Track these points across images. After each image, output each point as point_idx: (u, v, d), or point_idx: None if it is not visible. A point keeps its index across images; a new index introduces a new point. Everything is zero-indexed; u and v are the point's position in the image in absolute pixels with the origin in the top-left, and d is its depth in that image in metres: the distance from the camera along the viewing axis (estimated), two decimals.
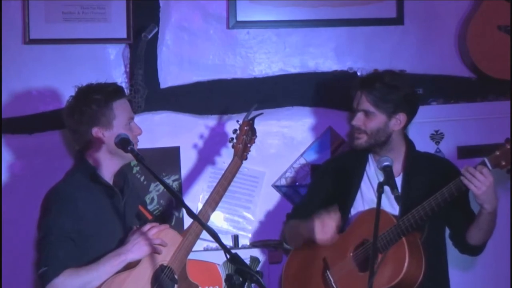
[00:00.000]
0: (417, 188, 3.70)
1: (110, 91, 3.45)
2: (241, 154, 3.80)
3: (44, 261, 3.23)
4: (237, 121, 3.89)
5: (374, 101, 3.71)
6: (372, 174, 3.80)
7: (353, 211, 3.80)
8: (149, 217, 3.56)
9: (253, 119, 3.90)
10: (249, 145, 3.86)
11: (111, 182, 3.48)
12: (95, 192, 3.41)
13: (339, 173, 3.91)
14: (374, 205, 3.48)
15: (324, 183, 3.96)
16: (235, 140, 3.84)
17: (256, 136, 3.92)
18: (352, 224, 3.75)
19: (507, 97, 4.42)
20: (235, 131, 3.86)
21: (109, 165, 3.46)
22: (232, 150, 3.83)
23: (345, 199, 3.83)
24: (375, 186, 3.57)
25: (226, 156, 4.22)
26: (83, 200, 3.35)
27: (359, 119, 3.75)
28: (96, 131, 3.41)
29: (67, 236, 3.27)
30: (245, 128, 3.84)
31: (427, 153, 3.95)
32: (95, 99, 3.40)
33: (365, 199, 3.79)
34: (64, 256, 3.23)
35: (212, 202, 3.64)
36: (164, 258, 3.43)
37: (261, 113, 4.00)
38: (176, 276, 3.45)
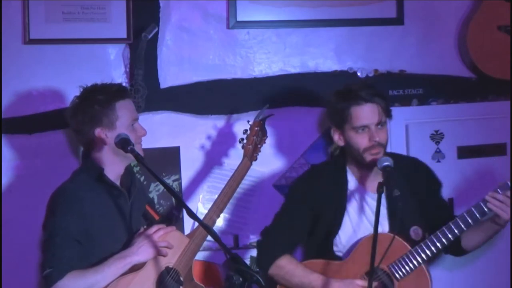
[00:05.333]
0: (404, 200, 3.53)
1: (114, 91, 3.44)
2: (251, 155, 3.76)
3: (49, 263, 3.22)
4: (248, 121, 3.87)
5: (385, 109, 3.57)
6: (354, 192, 3.64)
7: (341, 234, 3.64)
8: (156, 217, 3.56)
9: (264, 119, 3.86)
10: (259, 145, 3.82)
11: (117, 183, 3.47)
12: (101, 193, 3.41)
13: (317, 198, 3.67)
14: (365, 226, 3.47)
15: (303, 213, 3.69)
16: (245, 141, 3.81)
17: (266, 137, 3.87)
18: (356, 250, 3.57)
19: (507, 97, 4.42)
20: (245, 131, 3.83)
21: (114, 166, 3.45)
22: (237, 151, 3.81)
23: (331, 223, 3.64)
24: (363, 205, 3.56)
25: (227, 156, 4.23)
26: (89, 200, 3.35)
27: (381, 134, 3.54)
28: (98, 132, 3.40)
29: (72, 238, 3.26)
30: (256, 128, 3.80)
31: (394, 155, 3.69)
32: (97, 99, 3.39)
33: (353, 220, 3.64)
34: (69, 258, 3.22)
35: (221, 204, 3.63)
36: (170, 260, 3.43)
37: (272, 114, 3.98)
38: (181, 278, 3.45)
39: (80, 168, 3.53)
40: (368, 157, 3.54)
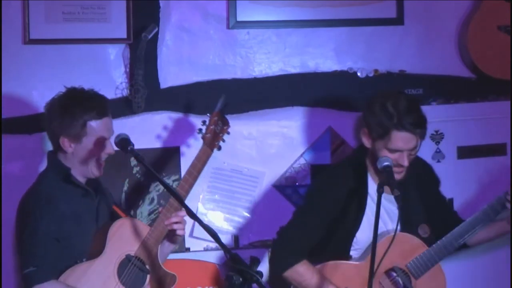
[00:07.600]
0: (412, 199, 3.66)
1: (91, 108, 3.39)
2: (210, 143, 3.68)
3: (31, 261, 3.23)
4: (207, 114, 3.75)
5: (423, 137, 3.56)
6: (374, 196, 3.59)
7: (359, 235, 3.63)
8: (124, 216, 3.53)
9: (222, 109, 3.75)
10: (220, 134, 3.76)
11: (84, 182, 3.48)
12: (70, 193, 3.43)
13: (338, 201, 3.66)
14: (379, 227, 3.42)
15: (324, 218, 3.67)
16: (203, 131, 3.71)
17: (229, 126, 3.77)
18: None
19: (507, 97, 4.43)
20: (203, 122, 3.74)
21: (78, 171, 3.46)
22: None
23: (350, 224, 3.65)
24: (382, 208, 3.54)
25: (226, 157, 4.22)
26: (62, 200, 3.37)
27: (409, 158, 3.54)
28: (62, 140, 3.40)
29: (52, 237, 3.27)
30: (215, 118, 3.71)
31: None
32: (71, 111, 3.37)
33: (369, 220, 3.60)
34: (51, 258, 3.24)
35: (181, 190, 3.54)
36: (131, 248, 3.41)
37: (227, 103, 3.86)
38: (147, 266, 3.43)
39: (46, 168, 3.53)
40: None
